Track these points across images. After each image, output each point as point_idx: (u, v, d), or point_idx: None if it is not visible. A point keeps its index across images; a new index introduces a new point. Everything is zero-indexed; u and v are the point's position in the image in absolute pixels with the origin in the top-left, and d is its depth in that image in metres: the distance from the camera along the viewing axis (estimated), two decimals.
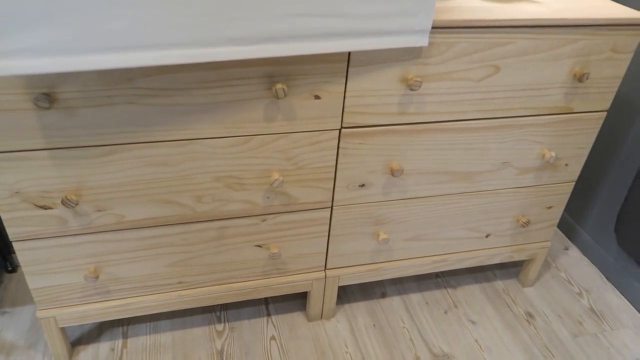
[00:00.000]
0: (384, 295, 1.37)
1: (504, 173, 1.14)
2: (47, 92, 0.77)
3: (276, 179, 0.95)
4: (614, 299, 1.42)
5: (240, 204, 1.00)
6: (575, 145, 1.14)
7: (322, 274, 1.19)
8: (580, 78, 0.99)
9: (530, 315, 1.35)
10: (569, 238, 1.63)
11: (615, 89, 1.06)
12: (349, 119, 0.95)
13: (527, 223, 1.22)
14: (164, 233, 1.00)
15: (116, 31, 0.67)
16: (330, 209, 1.07)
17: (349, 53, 0.86)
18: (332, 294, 1.24)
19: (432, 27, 0.86)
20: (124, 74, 0.79)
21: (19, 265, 1.37)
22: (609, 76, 1.04)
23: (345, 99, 0.92)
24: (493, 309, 1.36)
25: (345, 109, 0.93)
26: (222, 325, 1.25)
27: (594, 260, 1.53)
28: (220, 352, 1.18)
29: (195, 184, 0.95)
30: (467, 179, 1.12)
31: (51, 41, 0.65)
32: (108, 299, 1.07)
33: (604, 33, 0.97)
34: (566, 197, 1.25)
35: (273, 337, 1.23)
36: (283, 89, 0.84)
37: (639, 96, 1.32)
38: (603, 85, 1.05)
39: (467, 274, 1.46)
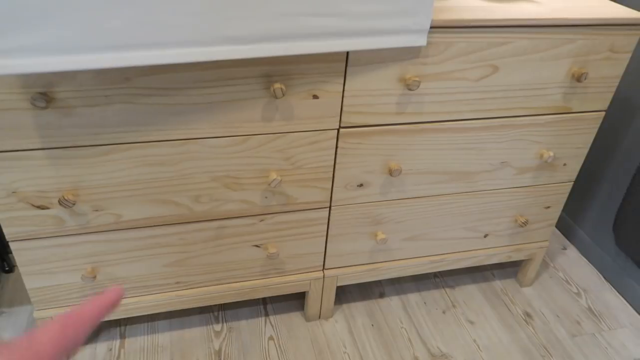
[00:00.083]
0: (382, 295, 1.37)
1: (502, 173, 1.14)
2: (44, 92, 0.77)
3: (274, 179, 0.95)
4: (612, 299, 1.42)
5: (238, 203, 1.00)
6: (574, 145, 1.14)
7: (320, 274, 1.19)
8: (578, 78, 0.99)
9: (528, 315, 1.35)
10: (567, 238, 1.64)
11: (614, 89, 1.06)
12: (347, 119, 0.94)
13: (526, 223, 1.22)
14: (161, 233, 1.00)
15: (114, 30, 0.67)
16: (328, 208, 1.07)
17: (348, 53, 0.86)
18: (330, 294, 1.24)
19: (431, 27, 0.85)
20: (121, 74, 0.78)
21: (16, 266, 1.36)
22: (607, 76, 1.04)
23: (344, 99, 0.92)
24: (491, 309, 1.36)
25: (343, 109, 0.93)
26: (220, 325, 1.25)
27: (592, 260, 1.53)
28: (218, 352, 1.18)
29: (192, 183, 0.94)
30: (465, 179, 1.12)
31: (49, 40, 0.65)
32: None
33: (602, 33, 0.97)
34: (564, 197, 1.25)
35: (271, 337, 1.23)
36: (281, 88, 0.84)
37: (638, 96, 1.32)
38: (601, 85, 1.05)
39: (466, 273, 1.46)
